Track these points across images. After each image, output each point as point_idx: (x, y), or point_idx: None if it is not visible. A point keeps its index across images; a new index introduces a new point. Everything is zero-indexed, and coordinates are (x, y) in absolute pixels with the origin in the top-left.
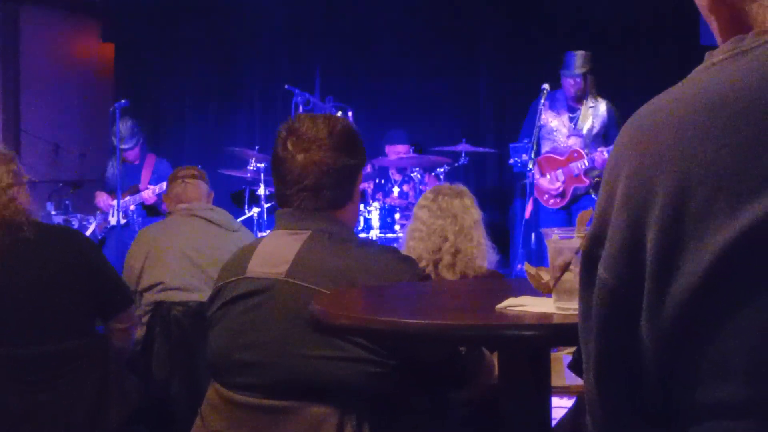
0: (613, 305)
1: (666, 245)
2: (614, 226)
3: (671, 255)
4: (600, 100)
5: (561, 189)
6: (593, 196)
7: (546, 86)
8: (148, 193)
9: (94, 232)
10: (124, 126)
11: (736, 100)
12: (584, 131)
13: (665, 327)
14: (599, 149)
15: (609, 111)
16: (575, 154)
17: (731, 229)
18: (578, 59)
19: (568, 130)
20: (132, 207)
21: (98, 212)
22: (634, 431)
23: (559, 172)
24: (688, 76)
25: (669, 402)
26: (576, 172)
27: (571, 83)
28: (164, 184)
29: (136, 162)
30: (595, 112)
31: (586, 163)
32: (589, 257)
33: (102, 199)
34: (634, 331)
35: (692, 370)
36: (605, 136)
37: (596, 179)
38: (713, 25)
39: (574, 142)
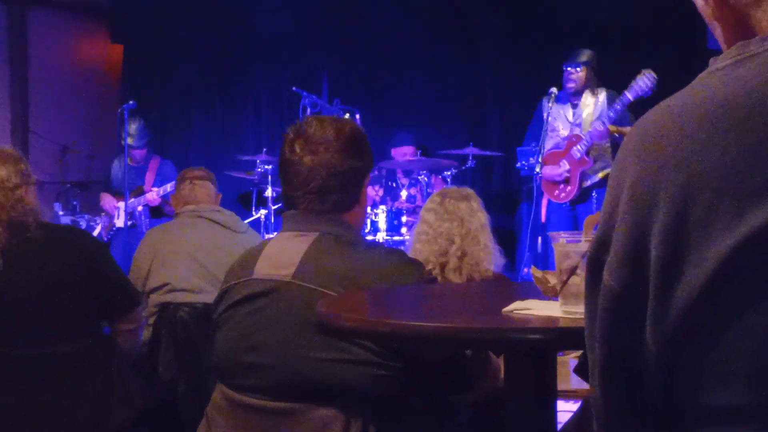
0: (618, 310)
1: (670, 251)
2: (619, 232)
3: (675, 260)
4: (600, 90)
5: (566, 176)
6: (594, 198)
7: (554, 89)
8: (152, 195)
9: (99, 234)
10: (134, 125)
11: (740, 106)
12: (583, 118)
13: (669, 331)
14: (593, 124)
15: (609, 97)
16: (574, 139)
17: (735, 234)
18: (579, 51)
19: (570, 123)
20: (139, 208)
21: (103, 214)
22: None
23: (563, 162)
24: (692, 81)
25: (673, 405)
26: (578, 155)
27: (571, 72)
28: (168, 186)
29: (141, 163)
30: (596, 101)
31: (587, 142)
32: (595, 262)
33: (107, 200)
34: (639, 336)
35: (696, 374)
36: None
37: (601, 169)
38: (717, 32)
39: (575, 130)
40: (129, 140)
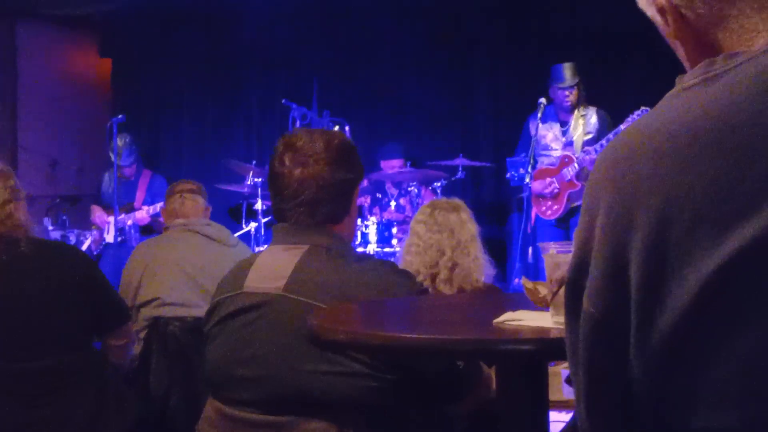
0: (600, 336)
1: (649, 275)
2: (596, 259)
3: (655, 287)
4: (590, 108)
5: (555, 192)
6: None
7: (543, 100)
8: (142, 214)
9: (89, 248)
10: (122, 141)
11: (709, 131)
12: (575, 138)
13: (654, 356)
14: (586, 148)
15: (600, 119)
16: (566, 160)
17: (716, 258)
18: (568, 70)
19: (562, 141)
20: (129, 222)
21: (93, 228)
22: None
23: (553, 179)
24: (659, 102)
25: (663, 429)
26: (568, 177)
27: (566, 95)
28: (158, 206)
29: (132, 178)
30: (586, 120)
31: (576, 167)
32: (574, 288)
33: (98, 214)
34: (623, 361)
35: (684, 397)
36: (598, 140)
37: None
38: (679, 52)
39: (567, 152)
40: (117, 158)
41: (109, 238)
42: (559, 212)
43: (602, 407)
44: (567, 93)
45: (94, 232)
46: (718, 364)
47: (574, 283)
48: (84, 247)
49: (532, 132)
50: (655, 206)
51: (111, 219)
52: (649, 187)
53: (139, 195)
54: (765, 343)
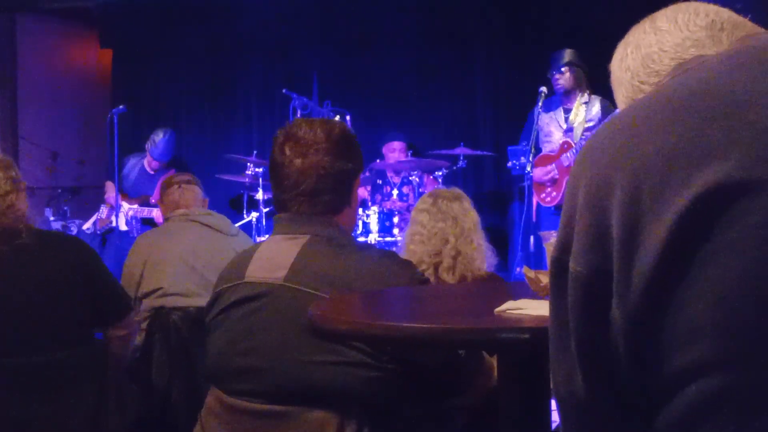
0: (587, 295)
1: (628, 225)
2: (579, 223)
3: (634, 233)
4: (594, 97)
5: (555, 178)
6: None
7: (543, 89)
8: (159, 214)
9: (94, 224)
10: (161, 136)
11: (680, 98)
12: (575, 125)
13: (634, 301)
14: (585, 134)
15: (603, 108)
16: (565, 146)
17: (684, 199)
18: (561, 54)
19: (563, 129)
20: (130, 213)
21: (103, 205)
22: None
23: (552, 166)
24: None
25: (643, 377)
26: (566, 163)
27: (557, 78)
28: None
29: (157, 171)
30: (588, 108)
31: (575, 152)
32: (559, 264)
33: (110, 191)
34: (611, 318)
35: (663, 338)
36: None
37: None
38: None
39: (567, 138)
40: (153, 142)
41: (115, 222)
42: (558, 199)
43: (601, 370)
44: (557, 77)
45: (103, 209)
46: (691, 299)
47: (559, 259)
48: (88, 224)
49: (535, 120)
50: (631, 166)
51: (124, 203)
52: (625, 152)
53: (157, 191)
54: (731, 277)
